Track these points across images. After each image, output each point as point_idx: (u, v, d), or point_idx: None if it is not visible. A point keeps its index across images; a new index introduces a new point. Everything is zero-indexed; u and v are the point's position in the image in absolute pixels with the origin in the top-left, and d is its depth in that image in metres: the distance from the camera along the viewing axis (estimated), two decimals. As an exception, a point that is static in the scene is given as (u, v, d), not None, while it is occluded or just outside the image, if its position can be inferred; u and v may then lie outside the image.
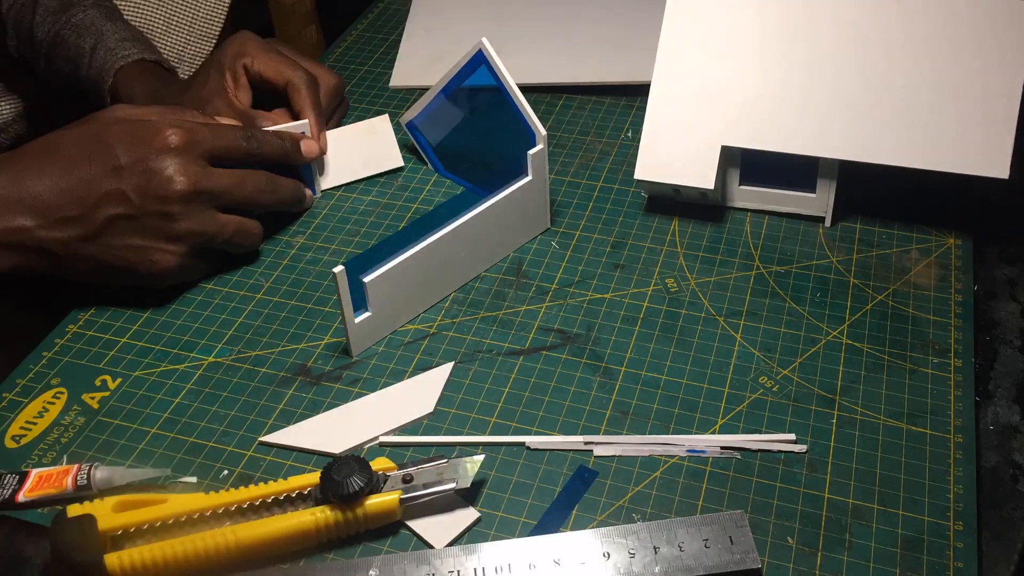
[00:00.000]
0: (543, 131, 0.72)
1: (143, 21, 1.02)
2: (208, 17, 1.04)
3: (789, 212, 0.78)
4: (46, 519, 0.59)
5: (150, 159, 0.67)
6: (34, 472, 0.60)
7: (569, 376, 0.67)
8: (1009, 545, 0.57)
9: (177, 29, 1.03)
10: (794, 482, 0.60)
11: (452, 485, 0.57)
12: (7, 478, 0.60)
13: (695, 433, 0.63)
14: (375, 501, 0.56)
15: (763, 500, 0.59)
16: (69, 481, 0.59)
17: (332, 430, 0.63)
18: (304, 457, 0.62)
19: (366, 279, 0.66)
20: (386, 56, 1.00)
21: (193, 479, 0.61)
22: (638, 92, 0.93)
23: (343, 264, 0.64)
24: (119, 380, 0.68)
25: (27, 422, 0.65)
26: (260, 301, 0.73)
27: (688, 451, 0.61)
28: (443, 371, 0.67)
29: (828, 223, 0.77)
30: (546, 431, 0.63)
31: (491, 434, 0.63)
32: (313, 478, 0.57)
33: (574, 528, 0.58)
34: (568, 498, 0.59)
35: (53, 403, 0.66)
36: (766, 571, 0.55)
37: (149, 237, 0.68)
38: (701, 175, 0.75)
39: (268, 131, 0.75)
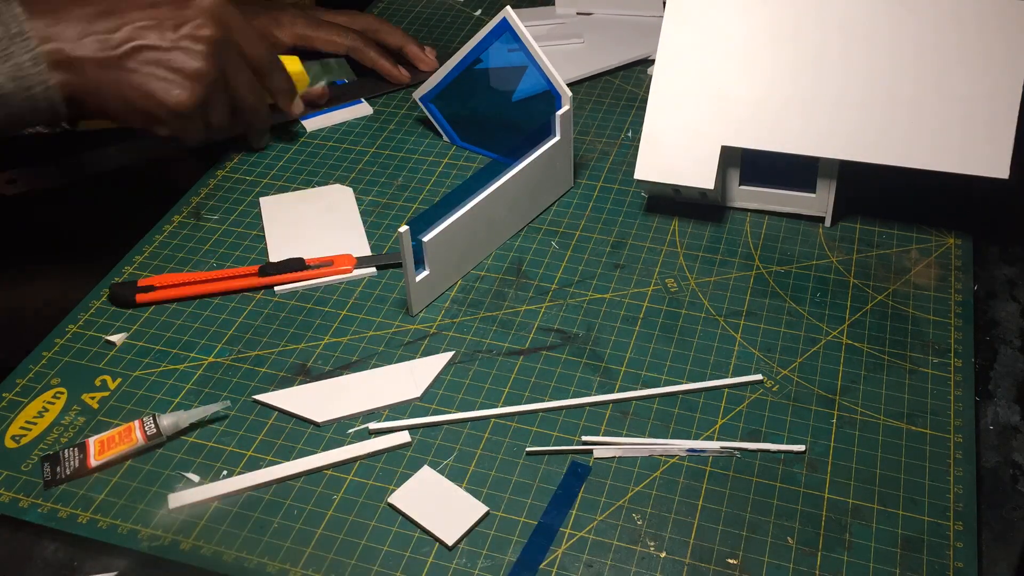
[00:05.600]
0: (568, 92, 0.77)
1: None
2: None
3: (789, 212, 0.78)
4: (45, 519, 0.59)
5: (189, 6, 0.76)
6: (91, 440, 0.62)
7: (569, 376, 0.67)
8: (1009, 545, 0.57)
9: None
10: (794, 482, 0.60)
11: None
12: (66, 453, 0.62)
13: (695, 433, 0.63)
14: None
15: (763, 500, 0.59)
16: (139, 434, 0.62)
17: (321, 399, 0.65)
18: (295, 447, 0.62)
19: (424, 238, 0.69)
20: (386, 56, 1.00)
21: (196, 477, 0.61)
22: (637, 92, 0.93)
23: (407, 224, 0.67)
24: (119, 380, 0.68)
25: (27, 422, 0.65)
26: (260, 301, 0.73)
27: (688, 451, 0.61)
28: (440, 359, 0.68)
29: (828, 223, 0.77)
30: (546, 431, 0.63)
31: (491, 434, 0.63)
32: None
33: (573, 529, 0.58)
34: (565, 495, 0.59)
35: (53, 403, 0.66)
36: (766, 571, 0.55)
37: (171, 70, 0.74)
38: (701, 175, 0.75)
39: (281, 69, 0.84)
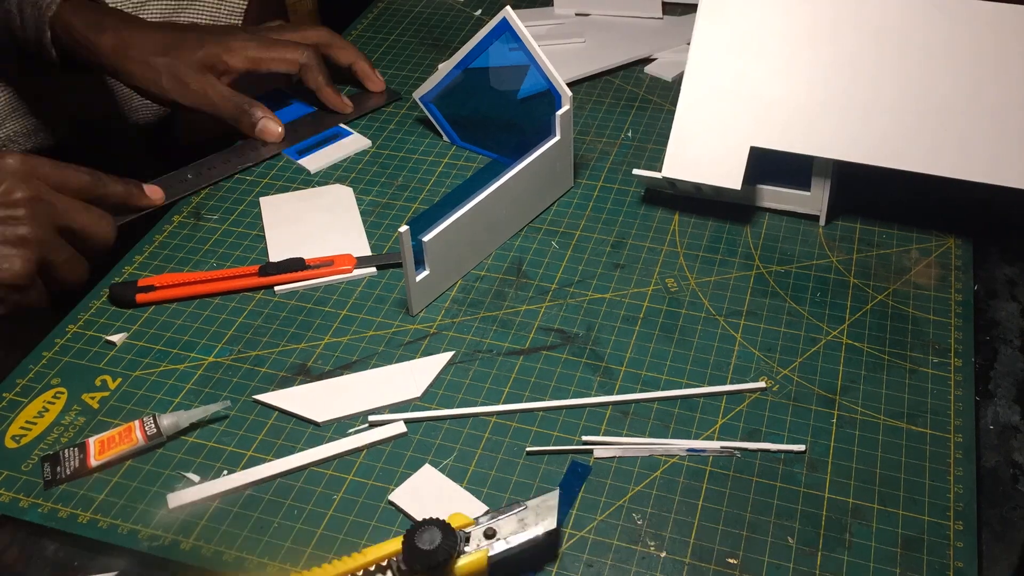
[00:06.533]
0: (568, 92, 0.77)
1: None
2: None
3: (784, 210, 0.78)
4: (45, 519, 0.59)
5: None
6: (91, 440, 0.62)
7: (569, 376, 0.67)
8: (1009, 545, 0.57)
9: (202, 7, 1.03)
10: (794, 482, 0.60)
11: (539, 530, 0.54)
12: (66, 453, 0.62)
13: (695, 433, 0.63)
14: (464, 563, 0.53)
15: (763, 500, 0.59)
16: (139, 434, 0.62)
17: (321, 399, 0.65)
18: (298, 441, 0.62)
19: (424, 238, 0.69)
20: (386, 56, 1.00)
21: (196, 477, 0.61)
22: (638, 93, 0.93)
23: (407, 224, 0.66)
24: (119, 380, 0.68)
25: (27, 422, 0.65)
26: (260, 301, 0.73)
27: (688, 451, 0.61)
28: (440, 359, 0.68)
29: (823, 221, 0.77)
30: (546, 431, 0.63)
31: (491, 434, 0.63)
32: (395, 545, 0.53)
33: (574, 528, 0.58)
34: (565, 495, 0.59)
35: (53, 403, 0.66)
36: (766, 571, 0.55)
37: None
38: (728, 175, 0.75)
39: (112, 178, 0.76)
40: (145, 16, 0.95)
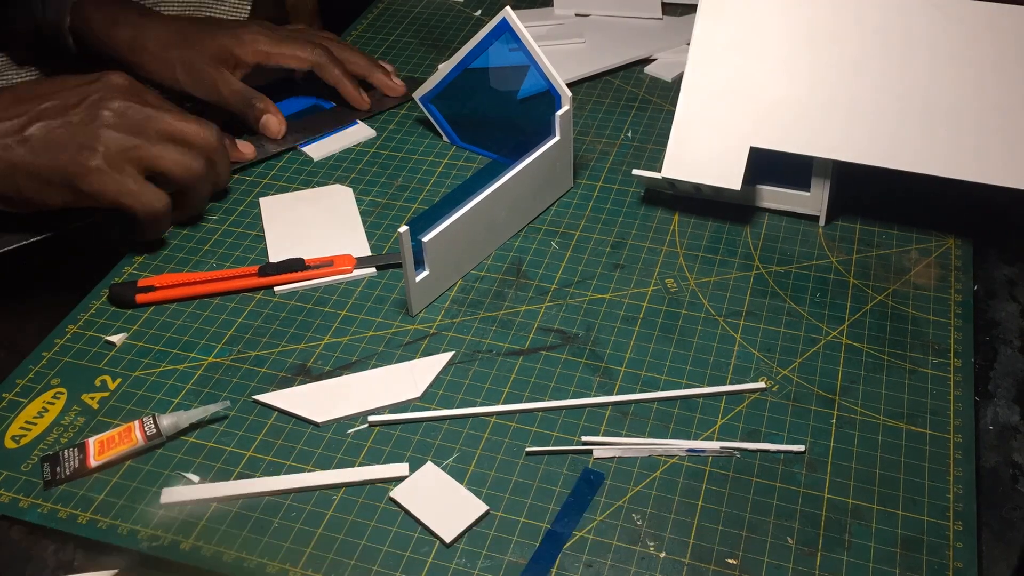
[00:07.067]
0: (568, 92, 0.77)
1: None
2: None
3: (784, 210, 0.78)
4: (45, 519, 0.59)
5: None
6: (91, 440, 0.62)
7: (569, 376, 0.67)
8: (1009, 545, 0.57)
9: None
10: (794, 482, 0.60)
11: None
12: (66, 453, 0.62)
13: (695, 433, 0.63)
14: None
15: (763, 500, 0.59)
16: (138, 434, 0.62)
17: (321, 399, 0.65)
18: (294, 442, 0.62)
19: (424, 238, 0.69)
20: (386, 56, 1.00)
21: (195, 478, 0.61)
22: (637, 93, 0.93)
23: (407, 224, 0.66)
24: (119, 380, 0.68)
25: (27, 422, 0.65)
26: (260, 301, 0.73)
27: (688, 451, 0.61)
28: (440, 359, 0.68)
29: (822, 222, 0.77)
30: (546, 431, 0.63)
31: (490, 434, 0.63)
32: None
33: (574, 528, 0.58)
34: (577, 503, 0.59)
35: (53, 403, 0.66)
36: (765, 571, 0.55)
37: (75, 137, 0.70)
38: (728, 175, 0.75)
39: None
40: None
